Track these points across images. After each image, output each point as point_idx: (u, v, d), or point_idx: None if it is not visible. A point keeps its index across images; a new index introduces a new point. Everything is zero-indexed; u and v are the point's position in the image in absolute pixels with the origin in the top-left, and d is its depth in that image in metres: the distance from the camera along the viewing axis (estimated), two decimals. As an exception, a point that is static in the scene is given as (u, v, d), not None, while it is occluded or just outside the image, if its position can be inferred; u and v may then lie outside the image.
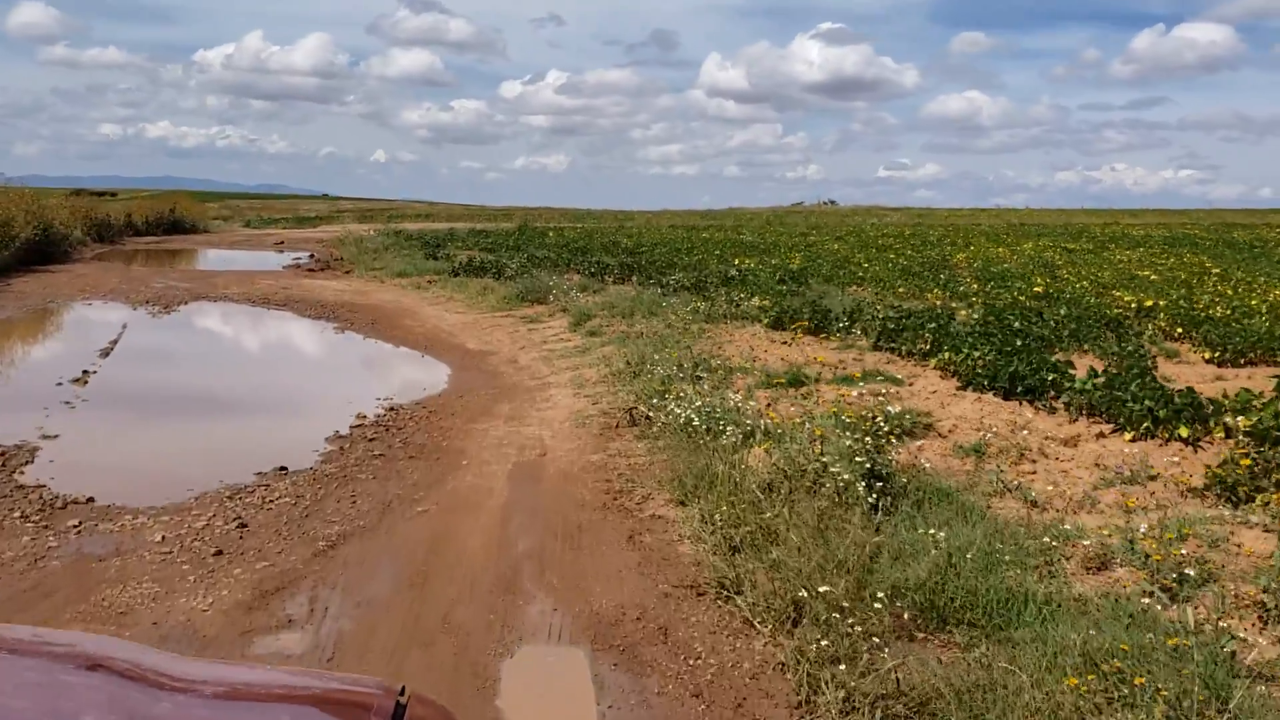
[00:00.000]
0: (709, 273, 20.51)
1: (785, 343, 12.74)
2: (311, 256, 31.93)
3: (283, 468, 8.07)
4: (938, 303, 16.33)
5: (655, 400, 9.41)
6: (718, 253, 29.48)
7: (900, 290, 18.35)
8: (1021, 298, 16.73)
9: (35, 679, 1.38)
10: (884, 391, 9.49)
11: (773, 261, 25.30)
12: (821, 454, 6.69)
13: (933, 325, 12.01)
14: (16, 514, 6.79)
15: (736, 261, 25.09)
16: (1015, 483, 6.85)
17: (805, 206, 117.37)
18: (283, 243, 37.40)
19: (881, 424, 7.34)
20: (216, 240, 38.09)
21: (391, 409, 10.38)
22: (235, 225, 59.96)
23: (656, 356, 11.22)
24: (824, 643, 4.55)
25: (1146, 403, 7.76)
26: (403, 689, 1.46)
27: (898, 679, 4.25)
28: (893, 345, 12.07)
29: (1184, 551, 5.29)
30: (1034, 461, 7.46)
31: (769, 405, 9.05)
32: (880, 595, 4.80)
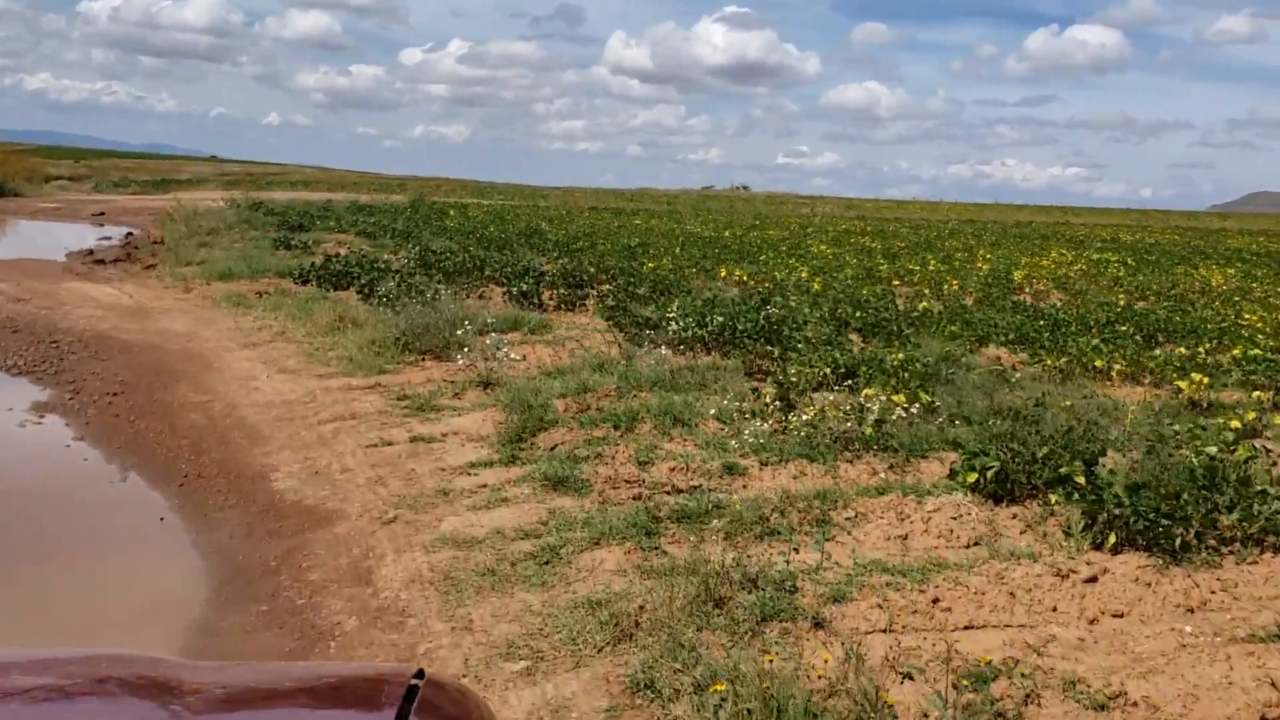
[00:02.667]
0: (729, 302, 12.43)
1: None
2: (127, 236, 23.06)
3: None
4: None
5: None
6: (692, 255, 21.54)
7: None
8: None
9: (51, 702, 1.34)
10: None
11: (786, 275, 17.46)
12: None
13: None
14: None
15: (739, 275, 17.21)
16: None
17: (716, 190, 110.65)
18: (104, 214, 28.20)
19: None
20: (16, 208, 28.58)
21: None
22: (85, 187, 49.75)
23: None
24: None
25: None
26: (420, 672, 1.39)
27: None
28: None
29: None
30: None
31: None
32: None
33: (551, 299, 13.28)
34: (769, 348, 9.26)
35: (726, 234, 30.77)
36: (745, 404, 7.43)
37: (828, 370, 8.19)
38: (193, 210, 24.49)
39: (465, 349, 9.88)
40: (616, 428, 6.89)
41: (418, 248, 19.75)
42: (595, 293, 14.45)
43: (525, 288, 13.15)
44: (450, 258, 17.44)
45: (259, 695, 1.45)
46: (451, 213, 33.72)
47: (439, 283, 14.53)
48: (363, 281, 13.60)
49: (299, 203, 35.21)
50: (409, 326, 10.21)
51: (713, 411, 7.14)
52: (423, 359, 9.92)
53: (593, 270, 16.54)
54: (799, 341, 9.76)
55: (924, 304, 13.83)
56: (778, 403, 7.13)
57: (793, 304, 12.60)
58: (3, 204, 29.22)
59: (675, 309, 11.32)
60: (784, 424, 6.88)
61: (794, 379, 7.38)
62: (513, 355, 9.70)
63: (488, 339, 10.70)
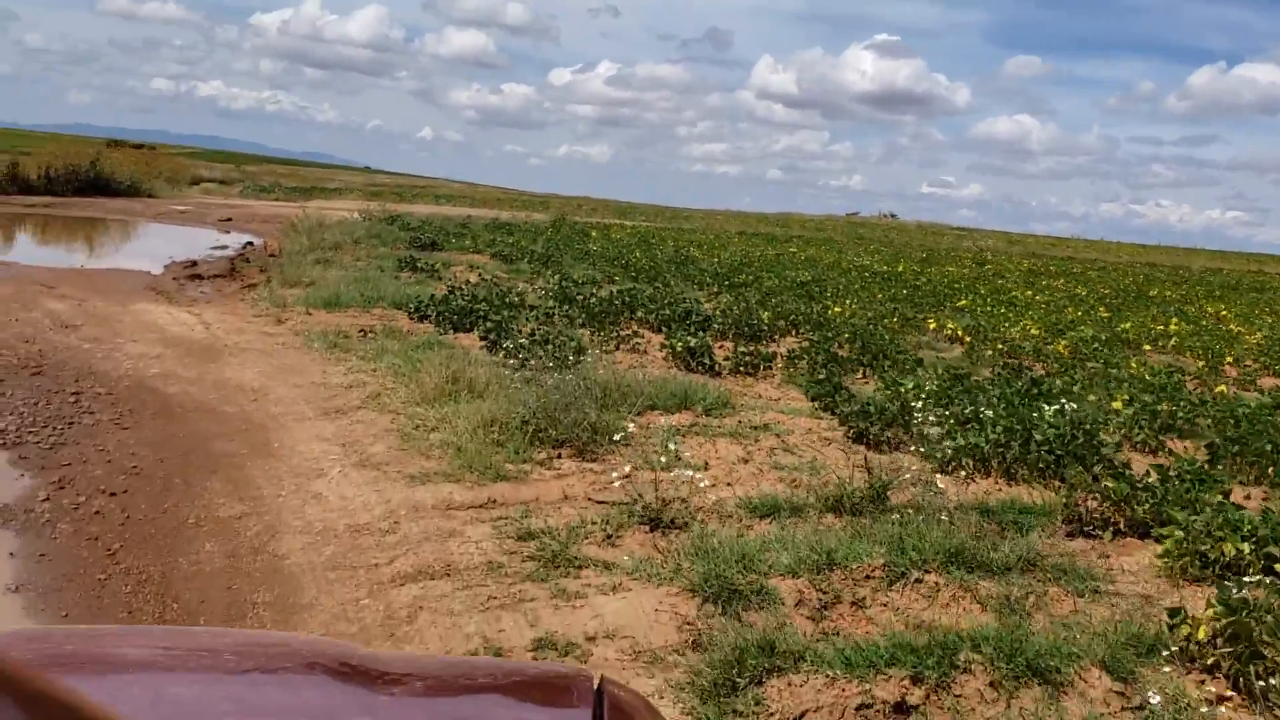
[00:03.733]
0: (984, 385, 8.77)
1: None
2: (245, 246, 20.94)
3: None
4: None
5: None
6: (873, 294, 18.10)
7: None
8: None
9: (271, 682, 1.39)
10: None
11: (1009, 329, 13.82)
12: None
13: None
14: None
15: (952, 328, 13.75)
16: None
17: (863, 217, 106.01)
18: (231, 220, 26.37)
19: None
20: (142, 209, 27.00)
21: None
22: (232, 191, 49.23)
23: None
24: None
25: None
26: (601, 677, 1.40)
27: None
28: None
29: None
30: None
31: None
32: None
33: (726, 358, 10.05)
34: (1090, 476, 5.82)
35: (901, 269, 27.09)
36: (1136, 625, 4.05)
37: (1243, 547, 4.71)
38: (318, 221, 22.24)
39: (619, 437, 6.77)
40: (918, 680, 3.59)
41: (557, 276, 16.85)
42: (779, 347, 11.20)
43: (692, 343, 9.94)
44: (594, 291, 14.43)
45: (457, 687, 1.43)
46: (594, 234, 30.98)
47: (581, 324, 11.51)
48: (490, 323, 10.65)
49: (437, 218, 33.08)
50: (542, 405, 7.12)
51: (1099, 654, 3.76)
52: (558, 453, 6.82)
53: (766, 314, 13.28)
54: (1120, 467, 6.27)
55: (1241, 397, 10.08)
56: (1219, 641, 3.72)
57: (1072, 387, 9.02)
58: (132, 205, 27.66)
59: (912, 389, 7.96)
60: (1249, 701, 3.48)
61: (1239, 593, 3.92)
62: (690, 459, 6.52)
63: (650, 424, 7.56)
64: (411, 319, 11.86)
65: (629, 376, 8.44)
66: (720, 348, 10.76)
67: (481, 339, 10.36)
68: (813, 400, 8.49)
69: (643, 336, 11.24)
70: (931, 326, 13.86)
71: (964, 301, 18.46)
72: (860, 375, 10.16)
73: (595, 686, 1.36)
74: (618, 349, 10.61)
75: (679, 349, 9.77)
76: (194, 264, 16.44)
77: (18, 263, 14.64)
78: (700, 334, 10.96)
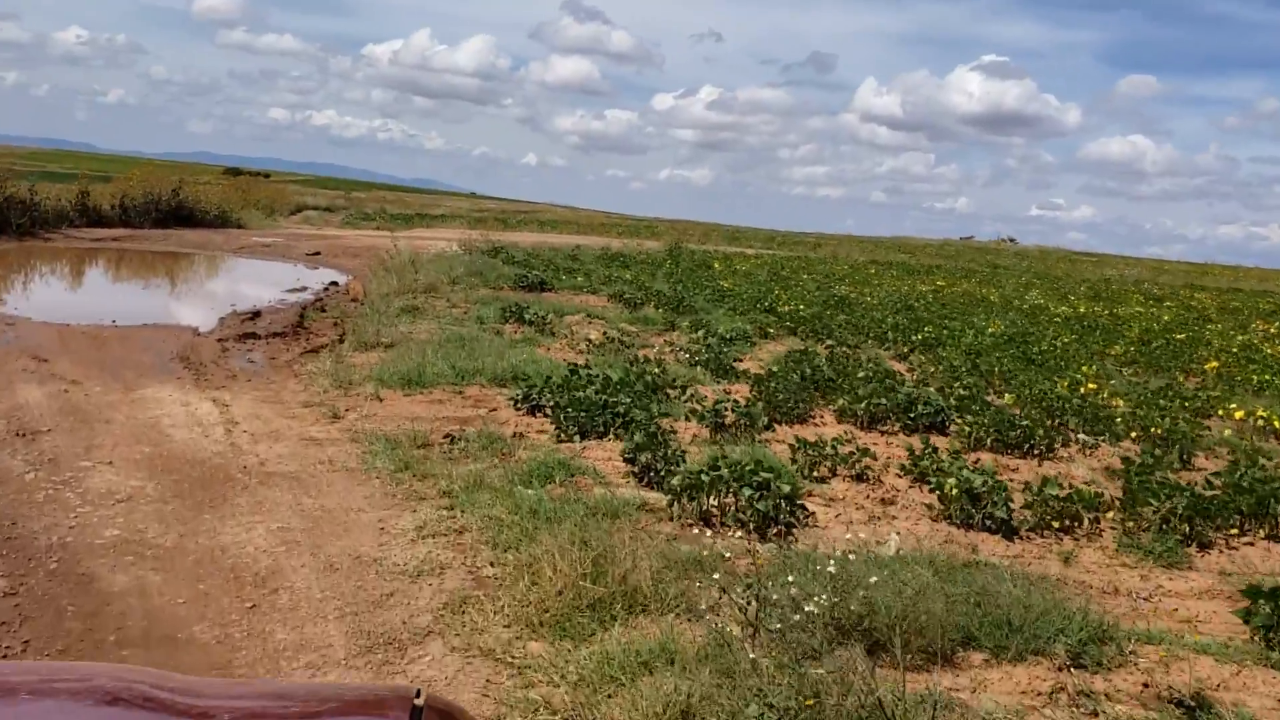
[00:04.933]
0: None
1: None
2: (328, 287, 17.82)
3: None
4: None
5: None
6: (1095, 346, 14.09)
7: None
8: None
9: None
10: None
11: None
12: None
13: None
14: None
15: (1262, 416, 9.67)
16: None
17: (979, 241, 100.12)
18: (319, 254, 23.39)
19: None
20: (223, 241, 24.08)
21: None
22: (335, 219, 47.11)
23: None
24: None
25: None
26: (418, 692, 1.32)
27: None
28: None
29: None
30: None
31: None
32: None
33: (1027, 510, 6.18)
34: None
35: (1082, 309, 22.74)
36: None
37: None
38: (410, 258, 19.04)
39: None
40: None
41: (700, 331, 13.20)
42: (1071, 468, 7.30)
43: (976, 481, 6.04)
44: (749, 349, 10.72)
45: (271, 716, 1.33)
46: (716, 265, 27.31)
47: (766, 424, 7.82)
48: (635, 431, 6.96)
49: (543, 248, 29.92)
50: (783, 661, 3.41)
51: None
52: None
53: (1008, 396, 9.38)
54: None
55: None
56: None
57: None
58: (213, 237, 24.78)
59: None
60: None
61: None
62: None
63: (977, 693, 3.81)
64: (518, 411, 8.29)
65: (917, 583, 4.63)
66: (974, 462, 6.95)
67: (626, 459, 6.72)
68: (1250, 622, 4.59)
69: (857, 441, 7.44)
70: (1238, 416, 9.75)
71: (1212, 364, 14.20)
72: (1236, 530, 6.20)
73: (419, 703, 1.28)
74: (833, 475, 6.83)
75: (953, 493, 5.92)
76: (255, 316, 13.20)
77: (24, 319, 11.50)
78: (937, 442, 7.11)
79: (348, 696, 1.57)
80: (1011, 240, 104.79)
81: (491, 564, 5.04)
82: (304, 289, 17.42)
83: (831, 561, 4.45)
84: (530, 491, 5.90)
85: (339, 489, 6.26)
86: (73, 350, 9.74)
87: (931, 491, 6.33)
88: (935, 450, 7.00)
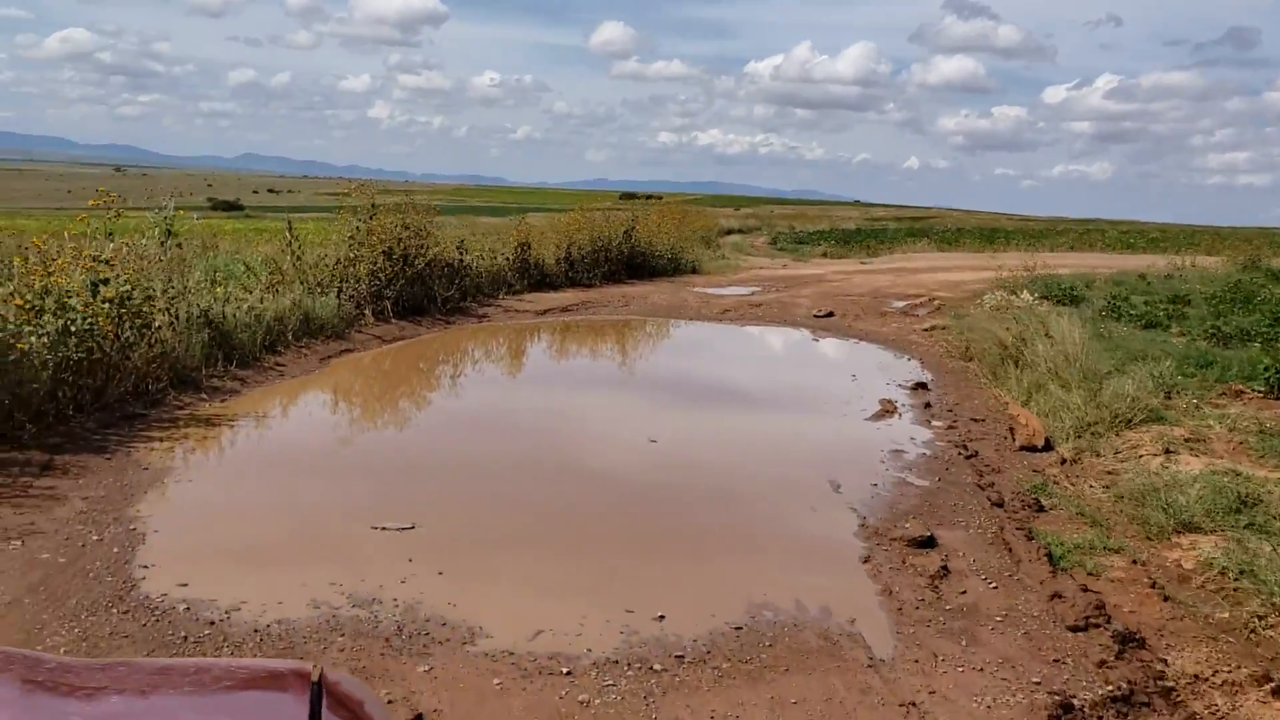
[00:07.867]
0: None
1: None
2: (915, 388, 10.65)
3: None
4: None
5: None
6: None
7: None
8: None
9: None
10: None
11: None
12: None
13: None
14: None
15: None
16: None
17: None
18: (831, 314, 16.28)
19: None
20: (690, 301, 17.18)
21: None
22: (758, 240, 41.06)
23: None
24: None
25: None
26: (318, 669, 1.31)
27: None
28: None
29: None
30: None
31: None
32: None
33: None
34: None
35: None
36: None
37: None
38: (990, 313, 11.43)
39: None
40: None
41: None
42: None
43: None
44: None
45: (160, 696, 1.27)
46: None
47: None
48: None
49: (1081, 273, 21.41)
50: None
51: None
52: None
53: None
54: None
55: None
56: None
57: None
58: (677, 292, 18.30)
59: None
60: None
61: None
62: None
63: None
64: None
65: None
66: None
67: None
68: None
69: None
70: None
71: None
72: None
73: (314, 680, 1.25)
74: None
75: None
76: (945, 571, 5.96)
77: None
78: None
79: (240, 673, 1.49)
80: None
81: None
82: (922, 385, 10.40)
83: None
84: None
85: None
86: None
87: None
88: None
